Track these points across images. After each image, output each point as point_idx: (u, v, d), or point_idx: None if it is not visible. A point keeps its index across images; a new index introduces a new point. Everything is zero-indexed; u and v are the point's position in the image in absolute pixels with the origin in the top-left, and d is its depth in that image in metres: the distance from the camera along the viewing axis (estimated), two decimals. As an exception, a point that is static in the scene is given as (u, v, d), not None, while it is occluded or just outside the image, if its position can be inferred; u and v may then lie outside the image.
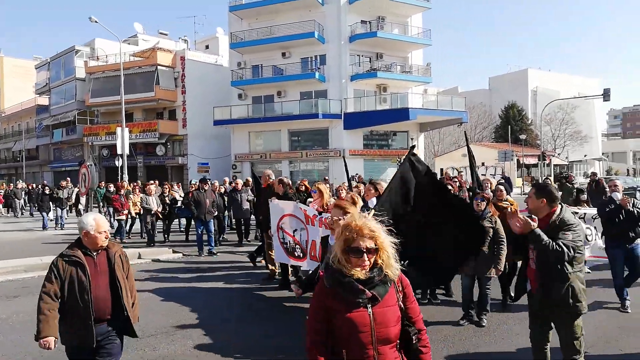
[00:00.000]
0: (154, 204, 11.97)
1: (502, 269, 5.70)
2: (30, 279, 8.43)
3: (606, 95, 29.44)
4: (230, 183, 14.07)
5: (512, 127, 43.78)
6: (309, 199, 7.80)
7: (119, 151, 26.98)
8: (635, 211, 6.01)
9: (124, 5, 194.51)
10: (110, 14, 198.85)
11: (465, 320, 5.68)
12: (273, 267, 8.06)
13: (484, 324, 5.62)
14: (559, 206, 3.67)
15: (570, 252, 3.44)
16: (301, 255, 6.94)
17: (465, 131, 7.99)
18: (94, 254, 3.28)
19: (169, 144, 38.10)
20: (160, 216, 12.21)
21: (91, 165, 10.29)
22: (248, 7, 34.33)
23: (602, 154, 59.53)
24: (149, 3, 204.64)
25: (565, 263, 3.48)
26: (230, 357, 4.84)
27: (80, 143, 40.63)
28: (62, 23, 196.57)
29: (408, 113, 31.01)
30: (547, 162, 35.34)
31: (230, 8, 34.64)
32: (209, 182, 12.22)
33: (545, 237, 3.45)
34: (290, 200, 7.37)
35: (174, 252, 10.86)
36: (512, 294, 5.90)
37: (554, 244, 3.43)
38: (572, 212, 4.03)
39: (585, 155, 51.51)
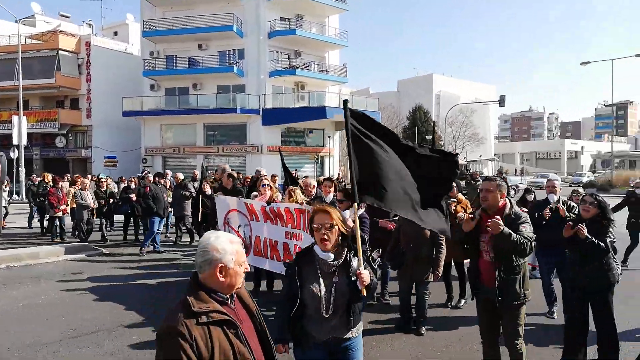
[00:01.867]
0: (90, 200, 11.01)
1: (440, 274, 5.34)
2: None
3: (502, 101, 32.61)
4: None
5: (418, 128, 46.66)
6: (253, 193, 7.88)
7: (15, 141, 24.75)
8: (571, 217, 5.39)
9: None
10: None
11: (400, 330, 5.34)
12: None
13: (422, 333, 5.21)
14: (507, 201, 3.81)
15: (533, 243, 3.65)
16: (245, 250, 7.02)
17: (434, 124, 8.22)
18: (230, 300, 2.04)
19: (70, 135, 35.34)
20: (95, 213, 11.26)
21: (1, 155, 9.18)
22: (162, -5, 32.93)
23: (494, 154, 65.63)
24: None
25: (519, 254, 3.66)
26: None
27: (-36, 131, 36.15)
28: None
29: (325, 111, 31.79)
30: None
31: (142, -6, 32.98)
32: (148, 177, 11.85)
33: (513, 235, 3.54)
34: (239, 195, 7.42)
35: (94, 247, 10.31)
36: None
37: (520, 238, 3.55)
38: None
39: (480, 156, 56.35)
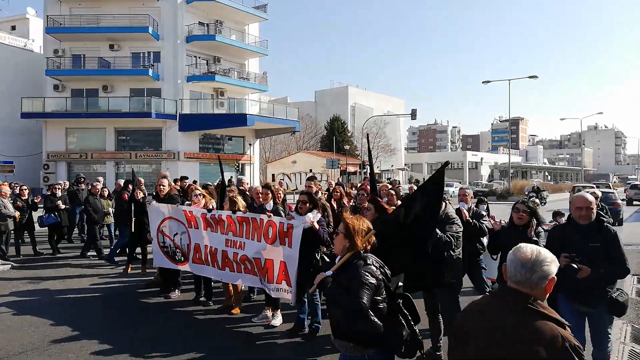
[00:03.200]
0: (11, 209, 9.82)
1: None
2: None
3: (413, 114, 34.71)
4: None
5: (336, 138, 48.00)
6: (187, 201, 7.70)
7: None
8: (475, 224, 5.80)
9: None
10: None
11: None
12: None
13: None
14: (443, 203, 4.37)
15: (455, 241, 4.40)
16: (182, 259, 6.88)
17: (368, 134, 8.44)
18: None
19: (-44, 136, 31.52)
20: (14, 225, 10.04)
21: None
22: (69, -10, 30.78)
23: (405, 164, 69.39)
24: None
25: (451, 250, 4.43)
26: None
27: None
28: None
29: (246, 119, 31.60)
30: (365, 170, 39.86)
31: (47, -13, 30.58)
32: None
33: (438, 232, 4.24)
34: (173, 202, 7.22)
35: (2, 263, 9.38)
36: None
37: (444, 235, 4.26)
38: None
39: (392, 165, 59.20)
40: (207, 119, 31.92)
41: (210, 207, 6.74)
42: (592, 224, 3.65)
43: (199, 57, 33.47)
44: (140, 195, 8.64)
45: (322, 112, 61.50)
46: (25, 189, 10.87)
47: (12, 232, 10.09)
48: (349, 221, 2.92)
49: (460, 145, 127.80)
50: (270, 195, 6.42)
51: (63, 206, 11.05)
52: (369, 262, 2.82)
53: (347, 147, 44.19)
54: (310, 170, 42.55)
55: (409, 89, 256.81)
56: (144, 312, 6.58)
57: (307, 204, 5.59)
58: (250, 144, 35.24)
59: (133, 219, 8.47)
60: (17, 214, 9.87)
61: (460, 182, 48.27)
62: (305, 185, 8.28)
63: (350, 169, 43.76)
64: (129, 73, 31.06)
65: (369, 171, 7.01)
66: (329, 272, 2.87)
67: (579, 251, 3.46)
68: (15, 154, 31.66)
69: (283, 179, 41.31)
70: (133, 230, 8.55)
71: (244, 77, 35.53)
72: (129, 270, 8.83)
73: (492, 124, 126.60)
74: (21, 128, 31.45)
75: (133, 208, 8.54)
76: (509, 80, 33.55)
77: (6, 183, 10.77)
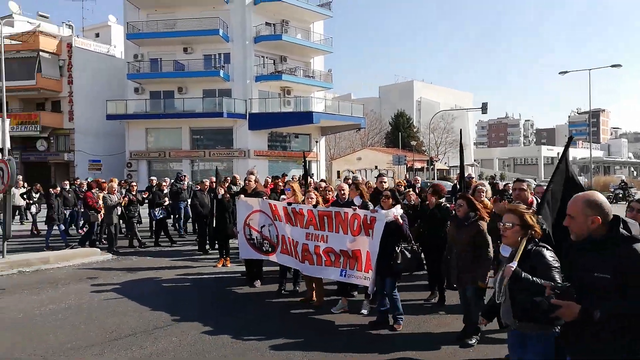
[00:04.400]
0: (115, 202, 10.85)
1: (485, 280, 4.95)
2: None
3: (484, 108, 33.47)
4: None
5: (401, 133, 47.34)
6: (282, 196, 8.06)
7: (-2, 145, 24.07)
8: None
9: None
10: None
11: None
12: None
13: (470, 343, 5.04)
14: (534, 198, 4.88)
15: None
16: (270, 249, 7.22)
17: (461, 130, 8.33)
18: None
19: (52, 138, 34.60)
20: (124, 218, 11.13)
21: (10, 159, 8.98)
22: (146, -3, 32.69)
23: (474, 160, 67.06)
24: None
25: None
26: (224, 348, 5.01)
27: (-62, 134, 35.02)
28: None
29: (312, 116, 32.05)
30: (433, 166, 39.08)
31: (126, -4, 32.66)
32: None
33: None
34: (261, 197, 7.57)
35: (103, 252, 10.27)
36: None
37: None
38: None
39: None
40: (274, 118, 32.71)
41: (294, 201, 6.97)
42: None
43: (267, 57, 34.32)
44: (221, 191, 9.06)
45: (386, 108, 60.88)
46: (135, 185, 11.77)
47: (123, 225, 11.15)
48: (522, 212, 3.13)
49: (534, 140, 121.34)
50: (357, 191, 6.64)
51: (167, 202, 11.81)
52: (548, 247, 3.02)
53: (413, 142, 43.45)
54: (376, 167, 42.34)
55: (477, 81, 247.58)
56: (232, 301, 6.96)
57: (390, 199, 5.74)
58: (316, 142, 35.67)
59: (215, 215, 8.92)
60: (124, 200, 10.77)
61: (535, 179, 45.96)
62: (377, 182, 8.38)
63: (417, 165, 42.98)
64: (202, 75, 32.48)
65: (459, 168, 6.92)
66: (514, 263, 2.93)
67: None
68: (102, 153, 34.25)
69: (348, 176, 41.39)
70: (215, 226, 8.99)
71: (310, 75, 35.99)
72: (221, 265, 9.26)
73: (569, 117, 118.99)
74: (106, 129, 33.91)
75: (215, 204, 8.99)
76: (589, 70, 31.48)
77: (115, 179, 11.76)
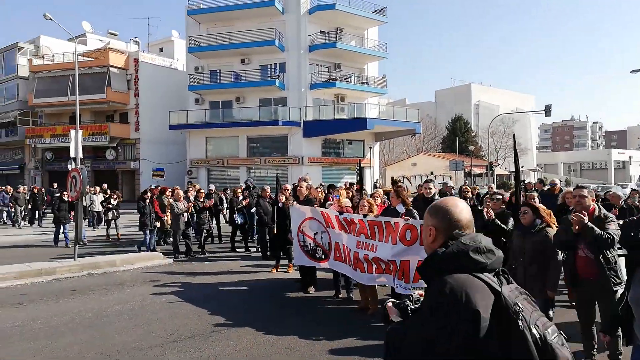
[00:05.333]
0: (182, 209, 11.24)
1: (554, 292, 4.85)
2: (23, 286, 8.14)
3: (548, 110, 31.89)
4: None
5: (458, 138, 46.09)
6: (328, 202, 8.13)
7: (72, 154, 25.59)
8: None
9: (71, 3, 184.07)
10: (55, 11, 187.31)
11: None
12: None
13: None
14: (596, 205, 4.54)
15: (616, 238, 4.22)
16: (323, 256, 7.26)
17: (514, 134, 8.08)
18: None
19: (119, 148, 36.77)
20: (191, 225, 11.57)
21: (82, 168, 9.68)
22: (206, 12, 34.06)
23: (537, 165, 64.01)
24: (96, 2, 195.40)
25: (610, 249, 4.28)
26: (278, 354, 5.06)
27: (21, 145, 38.23)
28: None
29: (366, 122, 31.94)
30: (492, 172, 37.68)
31: (188, 12, 34.21)
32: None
33: (596, 229, 4.22)
34: (312, 204, 7.65)
35: (164, 256, 10.73)
36: None
37: (603, 232, 4.22)
38: None
39: (522, 166, 55.02)
40: (328, 125, 32.90)
41: (346, 208, 6.96)
42: None
43: (321, 65, 34.66)
44: (282, 199, 9.19)
45: (442, 112, 59.61)
46: (202, 192, 12.19)
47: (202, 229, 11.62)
48: None
49: (603, 143, 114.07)
50: (399, 199, 6.52)
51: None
52: None
53: (471, 147, 42.12)
54: (432, 173, 41.43)
55: (539, 83, 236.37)
56: (287, 307, 7.03)
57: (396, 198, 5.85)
58: (370, 148, 35.50)
59: (275, 221, 9.07)
60: (190, 205, 11.13)
61: (604, 184, 43.13)
62: (423, 189, 8.11)
63: (476, 170, 41.62)
64: (258, 84, 33.33)
65: (514, 174, 6.64)
66: None
67: None
68: (165, 162, 35.95)
69: (402, 182, 40.83)
70: (275, 232, 9.14)
71: (364, 82, 35.93)
72: (276, 271, 9.41)
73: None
74: (169, 138, 35.58)
75: (276, 211, 9.15)
76: (666, 66, 29.20)
77: (177, 187, 12.23)
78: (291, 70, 33.50)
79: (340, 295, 7.29)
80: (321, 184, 13.74)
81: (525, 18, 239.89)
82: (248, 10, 33.00)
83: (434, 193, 7.53)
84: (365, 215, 6.42)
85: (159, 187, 12.99)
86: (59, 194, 14.26)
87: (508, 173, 48.39)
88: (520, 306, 1.45)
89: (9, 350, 5.12)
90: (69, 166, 26.31)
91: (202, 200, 11.64)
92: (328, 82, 34.13)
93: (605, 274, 4.27)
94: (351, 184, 14.28)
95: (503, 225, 6.10)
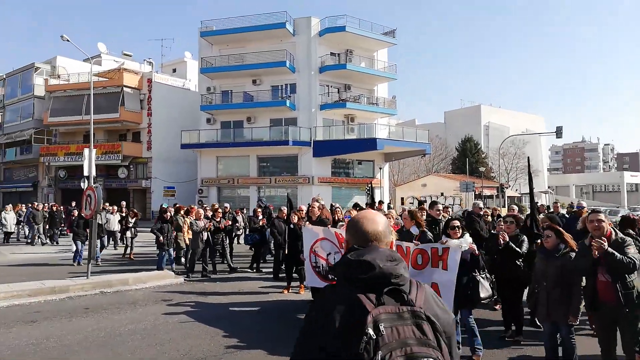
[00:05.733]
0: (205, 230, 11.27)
1: (576, 317, 4.76)
2: (37, 304, 8.17)
3: (559, 132, 31.81)
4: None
5: (469, 159, 45.97)
6: (340, 223, 8.11)
7: (85, 173, 25.83)
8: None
9: (86, 25, 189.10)
10: (71, 32, 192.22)
11: None
12: None
13: None
14: (612, 229, 4.50)
15: (637, 262, 4.19)
16: (335, 278, 7.20)
17: (528, 157, 8.14)
18: None
19: (132, 166, 37.17)
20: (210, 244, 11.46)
21: (97, 187, 9.78)
22: (219, 34, 34.72)
23: (548, 187, 63.49)
24: (111, 24, 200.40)
25: (631, 273, 4.27)
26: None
27: (35, 163, 38.83)
28: (15, 40, 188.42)
29: (376, 143, 32.04)
30: (503, 193, 37.43)
31: (201, 34, 34.88)
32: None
33: (617, 254, 4.21)
34: (325, 224, 7.65)
35: (176, 275, 10.74)
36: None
37: (624, 257, 4.22)
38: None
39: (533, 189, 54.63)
40: (338, 145, 33.07)
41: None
42: None
43: (331, 86, 35.01)
44: (295, 219, 9.20)
45: (451, 134, 59.64)
46: (219, 212, 12.16)
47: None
48: None
49: (615, 165, 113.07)
50: (413, 221, 6.52)
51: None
52: None
53: (482, 169, 41.99)
54: (442, 194, 41.25)
55: (549, 104, 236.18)
56: (299, 327, 6.91)
57: (459, 229, 5.70)
58: (380, 168, 35.52)
59: (287, 242, 9.06)
60: (210, 225, 11.14)
61: (617, 207, 42.58)
62: (433, 210, 7.99)
63: (486, 192, 41.37)
64: (269, 105, 33.71)
65: (530, 197, 6.63)
66: None
67: None
68: (175, 180, 36.22)
69: (413, 202, 40.64)
70: (286, 252, 9.12)
71: (374, 102, 36.18)
72: (287, 292, 9.36)
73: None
74: (179, 157, 35.94)
75: (287, 231, 9.15)
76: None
77: (194, 207, 12.23)
78: (302, 90, 33.87)
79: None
80: (332, 205, 13.70)
81: (535, 40, 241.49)
82: (259, 32, 33.61)
83: (442, 215, 7.51)
84: None
85: (177, 205, 12.98)
86: (77, 212, 14.18)
87: (519, 195, 48.03)
88: (382, 329, 1.38)
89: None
90: (82, 184, 26.66)
91: (218, 220, 11.60)
92: (338, 102, 34.41)
93: (623, 298, 4.27)
94: (356, 205, 14.25)
95: (517, 249, 6.07)
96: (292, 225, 9.28)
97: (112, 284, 9.43)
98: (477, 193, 39.06)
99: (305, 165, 33.28)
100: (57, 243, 19.31)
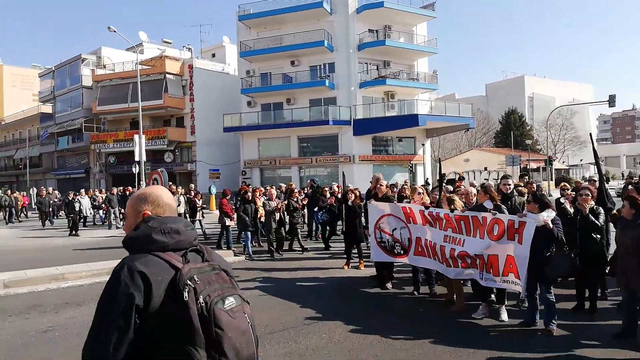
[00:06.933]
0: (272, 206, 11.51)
1: None
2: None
3: (612, 101, 30.37)
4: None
5: (513, 132, 44.69)
6: (406, 200, 8.27)
7: (136, 158, 27.14)
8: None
9: (126, 14, 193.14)
10: (112, 23, 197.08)
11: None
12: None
13: None
14: None
15: None
16: (402, 252, 7.40)
17: (590, 133, 8.00)
18: None
19: (177, 150, 38.28)
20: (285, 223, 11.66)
21: (163, 170, 10.21)
22: (257, 17, 34.82)
23: (597, 158, 60.89)
24: (151, 12, 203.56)
25: None
26: (372, 348, 5.23)
27: (86, 150, 40.60)
28: (62, 32, 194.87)
29: (417, 119, 31.64)
30: (551, 166, 36.35)
31: (239, 17, 35.09)
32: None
33: None
34: (389, 201, 7.81)
35: (235, 254, 11.18)
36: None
37: None
38: None
39: (581, 160, 52.62)
40: (379, 122, 32.84)
41: (428, 204, 7.05)
42: None
43: (370, 63, 34.62)
44: (352, 197, 9.38)
45: (494, 106, 57.98)
46: (295, 192, 12.38)
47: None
48: None
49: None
50: (487, 195, 6.52)
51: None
52: None
53: (528, 141, 40.76)
54: (485, 168, 40.45)
55: (597, 72, 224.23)
56: (369, 301, 7.22)
57: (536, 204, 5.65)
58: (422, 144, 35.10)
59: (344, 220, 9.28)
60: (282, 206, 11.38)
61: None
62: (501, 184, 7.81)
63: (533, 165, 40.23)
64: (308, 85, 33.75)
65: (596, 171, 6.52)
66: None
67: None
68: (219, 163, 37.09)
69: (456, 178, 40.04)
70: (345, 230, 9.34)
71: (414, 78, 35.58)
72: (347, 267, 9.58)
73: None
74: (223, 141, 36.70)
75: (345, 209, 9.35)
76: None
77: (260, 188, 12.52)
78: (340, 69, 33.68)
79: (420, 292, 7.37)
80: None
81: (578, 7, 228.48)
82: (297, 13, 33.47)
83: (513, 189, 7.45)
84: (452, 210, 6.50)
85: (249, 185, 13.20)
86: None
87: (567, 167, 46.45)
88: (196, 279, 1.61)
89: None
90: (133, 169, 27.75)
91: (295, 199, 11.81)
92: (377, 79, 34.04)
93: None
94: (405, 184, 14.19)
95: (596, 221, 6.00)
96: (350, 204, 9.46)
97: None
98: (523, 166, 38.08)
99: (346, 144, 33.31)
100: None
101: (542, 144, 44.89)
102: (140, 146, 27.06)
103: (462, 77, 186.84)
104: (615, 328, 5.33)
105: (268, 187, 12.22)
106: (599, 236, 6.08)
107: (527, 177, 11.81)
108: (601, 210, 6.19)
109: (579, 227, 6.13)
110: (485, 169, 40.67)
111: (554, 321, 5.48)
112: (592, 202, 6.33)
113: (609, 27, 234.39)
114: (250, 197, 11.46)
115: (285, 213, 11.53)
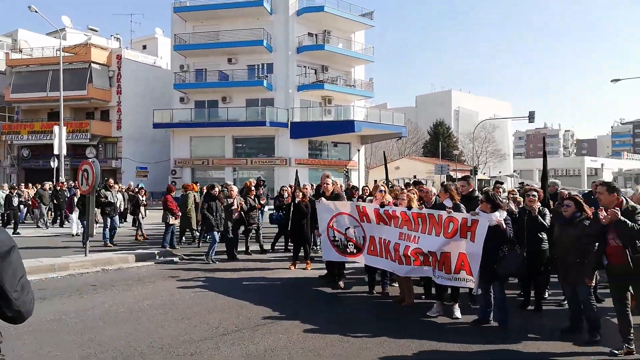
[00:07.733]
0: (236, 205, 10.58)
1: (591, 279, 5.12)
2: (39, 281, 7.77)
3: (531, 117, 32.74)
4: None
5: (441, 143, 46.77)
6: (369, 197, 8.10)
7: (56, 151, 25.13)
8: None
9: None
10: (30, 2, 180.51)
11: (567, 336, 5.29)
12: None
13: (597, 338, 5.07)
14: (623, 198, 4.83)
15: None
16: (354, 251, 7.21)
17: (544, 137, 8.27)
18: None
19: (100, 146, 35.86)
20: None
21: (95, 161, 9.24)
22: (193, 10, 33.67)
23: (514, 170, 65.57)
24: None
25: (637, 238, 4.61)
26: (333, 347, 4.97)
27: (-4, 141, 36.85)
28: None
29: (354, 125, 32.08)
30: (475, 176, 38.39)
31: (174, 9, 33.69)
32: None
33: (629, 222, 4.55)
34: (339, 199, 7.62)
35: (175, 255, 10.47)
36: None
37: (635, 225, 4.57)
38: None
39: (500, 172, 56.21)
40: (316, 127, 32.89)
41: (386, 202, 6.95)
42: None
43: (308, 67, 34.64)
44: (300, 196, 9.09)
45: (423, 118, 60.42)
46: (253, 191, 11.20)
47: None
48: None
49: (574, 151, 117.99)
50: (447, 194, 6.58)
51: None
52: None
53: (455, 152, 42.84)
54: (414, 177, 41.88)
55: (514, 90, 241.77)
56: (322, 300, 6.99)
57: (488, 204, 5.78)
58: (358, 150, 35.62)
59: (291, 219, 8.97)
60: (241, 204, 10.54)
61: (580, 190, 44.45)
62: (461, 186, 8.04)
63: (459, 175, 42.32)
64: (246, 84, 33.07)
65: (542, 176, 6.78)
66: None
67: None
68: (147, 161, 35.21)
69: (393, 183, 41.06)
70: (290, 230, 9.03)
71: (351, 84, 36.09)
72: (294, 268, 9.22)
73: (612, 127, 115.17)
74: (152, 137, 34.88)
75: (292, 209, 9.05)
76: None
77: (230, 184, 11.50)
78: (279, 71, 33.37)
79: (375, 292, 7.24)
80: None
81: (509, 29, 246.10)
82: (236, 10, 32.76)
83: (473, 189, 7.62)
84: (409, 208, 6.45)
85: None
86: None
87: (488, 178, 49.38)
88: None
89: (54, 342, 4.87)
90: (52, 163, 25.53)
91: (252, 198, 10.89)
92: (315, 83, 34.14)
93: (632, 261, 4.58)
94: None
95: (543, 221, 6.21)
96: (296, 202, 9.17)
97: (113, 261, 9.09)
98: (449, 176, 39.87)
99: (283, 147, 32.99)
100: (63, 225, 17.64)
101: (466, 155, 47.38)
102: (60, 139, 25.02)
103: (393, 88, 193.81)
104: (562, 324, 5.57)
105: (229, 184, 11.21)
106: (545, 235, 6.30)
107: (503, 185, 12.15)
108: (547, 211, 6.45)
109: (527, 227, 6.32)
110: (415, 177, 42.06)
111: (506, 318, 5.58)
112: (539, 204, 6.57)
113: (523, 49, 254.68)
114: (217, 193, 10.35)
115: (243, 212, 10.66)
